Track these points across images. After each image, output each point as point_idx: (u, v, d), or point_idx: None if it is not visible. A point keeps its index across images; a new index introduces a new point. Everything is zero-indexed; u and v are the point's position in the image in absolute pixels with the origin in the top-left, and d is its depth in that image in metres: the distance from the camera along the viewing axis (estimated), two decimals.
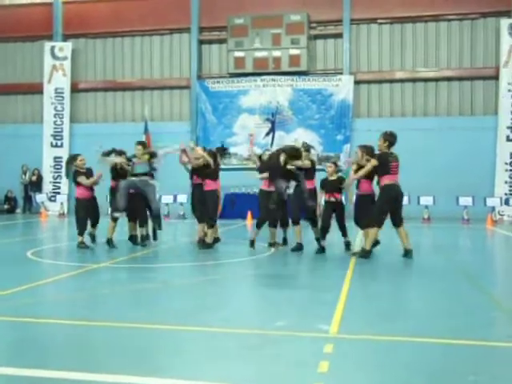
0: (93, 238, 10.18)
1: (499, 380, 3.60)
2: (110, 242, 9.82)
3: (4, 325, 4.85)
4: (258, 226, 9.65)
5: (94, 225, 10.21)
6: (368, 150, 9.08)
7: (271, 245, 9.90)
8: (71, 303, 5.81)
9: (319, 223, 9.47)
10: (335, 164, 9.76)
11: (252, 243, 9.66)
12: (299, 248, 9.42)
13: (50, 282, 6.96)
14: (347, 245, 9.59)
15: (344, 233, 9.58)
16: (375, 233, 8.67)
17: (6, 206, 20.32)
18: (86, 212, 9.89)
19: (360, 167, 8.98)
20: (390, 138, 8.74)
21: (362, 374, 3.65)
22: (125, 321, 4.91)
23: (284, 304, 5.85)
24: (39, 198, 19.56)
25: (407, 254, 8.70)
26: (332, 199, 9.41)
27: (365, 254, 8.60)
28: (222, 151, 10.53)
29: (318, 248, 9.28)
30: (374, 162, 8.63)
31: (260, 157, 10.56)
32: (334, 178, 9.53)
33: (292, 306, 5.72)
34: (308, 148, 9.87)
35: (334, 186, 9.45)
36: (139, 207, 10.02)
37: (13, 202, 20.54)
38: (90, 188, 9.95)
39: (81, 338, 4.49)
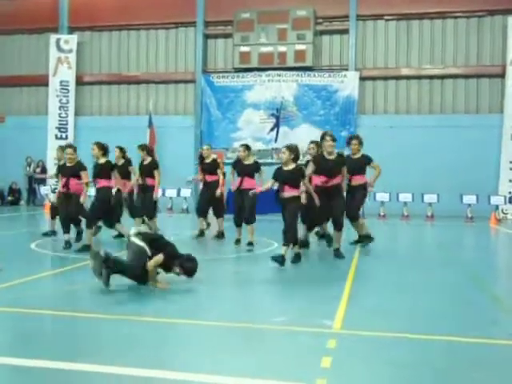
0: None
1: (501, 378, 3.61)
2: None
3: (7, 316, 4.87)
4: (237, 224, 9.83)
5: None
6: (294, 150, 7.98)
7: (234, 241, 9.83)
8: (74, 295, 5.83)
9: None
10: (290, 149, 7.72)
11: (238, 241, 9.81)
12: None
13: (54, 274, 6.99)
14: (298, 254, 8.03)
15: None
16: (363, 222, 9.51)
17: (10, 198, 20.38)
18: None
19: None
20: (362, 141, 9.35)
21: (365, 369, 3.66)
22: (126, 314, 4.93)
23: (287, 299, 5.87)
24: (43, 190, 19.57)
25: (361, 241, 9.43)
26: (286, 195, 7.57)
27: (368, 239, 9.36)
28: None
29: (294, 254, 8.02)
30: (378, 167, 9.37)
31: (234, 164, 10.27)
32: (289, 167, 7.70)
33: (295, 301, 5.73)
34: (334, 138, 8.23)
35: (290, 178, 7.64)
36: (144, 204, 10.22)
37: (17, 194, 20.59)
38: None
39: (83, 330, 4.51)
